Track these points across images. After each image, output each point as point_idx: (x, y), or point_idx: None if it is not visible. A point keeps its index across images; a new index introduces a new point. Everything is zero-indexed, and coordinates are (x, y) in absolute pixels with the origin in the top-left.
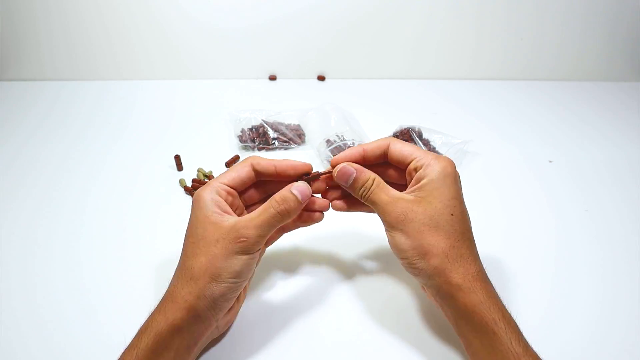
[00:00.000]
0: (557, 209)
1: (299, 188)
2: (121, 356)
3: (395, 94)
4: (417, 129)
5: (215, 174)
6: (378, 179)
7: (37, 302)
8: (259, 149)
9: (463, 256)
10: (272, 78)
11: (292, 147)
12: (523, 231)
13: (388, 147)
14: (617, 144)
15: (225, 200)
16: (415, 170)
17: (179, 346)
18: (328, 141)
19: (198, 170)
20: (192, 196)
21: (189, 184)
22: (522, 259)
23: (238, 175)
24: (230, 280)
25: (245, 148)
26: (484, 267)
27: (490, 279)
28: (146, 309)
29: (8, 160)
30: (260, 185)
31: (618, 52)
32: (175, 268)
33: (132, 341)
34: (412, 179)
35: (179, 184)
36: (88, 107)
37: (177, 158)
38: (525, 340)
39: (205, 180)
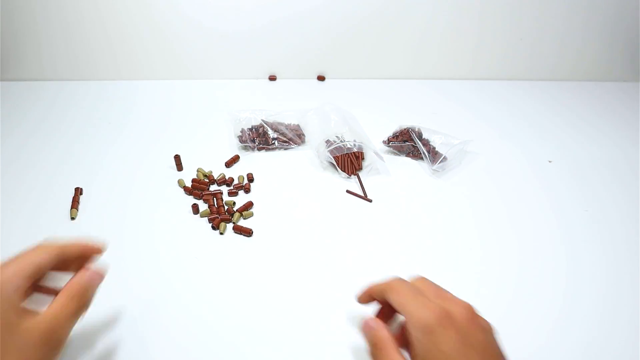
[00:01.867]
0: (557, 209)
1: (91, 277)
2: None
3: (395, 94)
4: (417, 129)
5: (215, 174)
6: (388, 346)
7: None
8: (259, 149)
9: None
10: (272, 78)
11: (292, 147)
12: (523, 231)
13: (387, 295)
14: (617, 144)
15: (26, 292)
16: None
17: None
18: (328, 141)
19: (198, 170)
20: (189, 193)
21: (189, 184)
22: (522, 259)
23: (40, 262)
24: None
25: (245, 148)
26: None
27: (491, 279)
28: (145, 307)
29: (8, 160)
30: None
31: (618, 52)
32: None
33: None
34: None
35: (178, 184)
36: (87, 107)
37: (177, 158)
38: None
39: (205, 180)
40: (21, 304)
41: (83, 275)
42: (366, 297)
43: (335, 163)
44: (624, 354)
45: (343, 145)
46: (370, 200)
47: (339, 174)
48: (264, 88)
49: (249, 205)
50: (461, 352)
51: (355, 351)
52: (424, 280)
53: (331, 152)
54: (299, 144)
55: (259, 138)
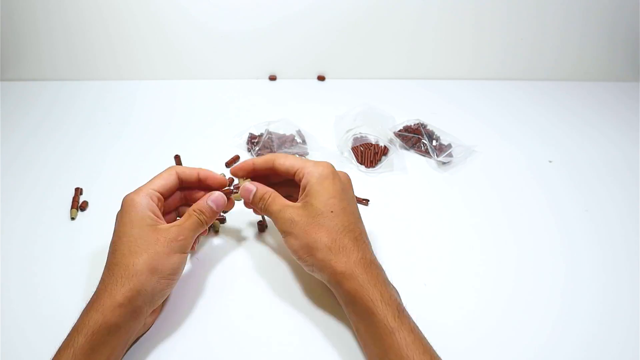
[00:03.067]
0: (557, 209)
1: (215, 199)
2: (56, 355)
3: (395, 94)
4: (427, 126)
5: None
6: (274, 193)
7: (38, 301)
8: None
9: (345, 247)
10: (272, 78)
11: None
12: (523, 230)
13: (274, 162)
14: (617, 144)
15: (157, 205)
16: (300, 180)
17: (116, 343)
18: (355, 138)
19: None
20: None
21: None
22: (522, 259)
23: (166, 182)
24: (170, 276)
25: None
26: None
27: (490, 278)
28: None
29: (8, 160)
30: (176, 194)
31: (618, 52)
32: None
33: (65, 340)
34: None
35: None
36: (87, 107)
37: (177, 158)
38: (405, 315)
39: None
40: (152, 216)
41: (204, 197)
42: (240, 171)
43: (355, 155)
44: (624, 354)
45: (369, 139)
46: (366, 203)
47: (357, 166)
48: (264, 88)
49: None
50: (342, 194)
51: (354, 350)
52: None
53: (355, 145)
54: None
55: (259, 147)
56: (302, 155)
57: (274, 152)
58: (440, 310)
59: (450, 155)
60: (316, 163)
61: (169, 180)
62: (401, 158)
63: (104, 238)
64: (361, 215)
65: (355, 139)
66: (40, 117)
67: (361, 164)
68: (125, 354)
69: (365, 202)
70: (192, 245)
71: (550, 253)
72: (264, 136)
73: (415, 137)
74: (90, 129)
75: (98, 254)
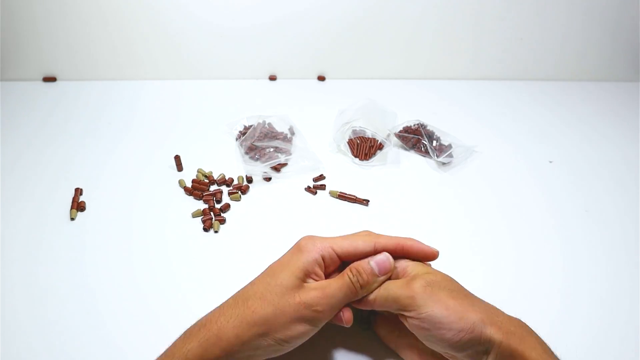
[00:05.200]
0: (557, 210)
1: (378, 260)
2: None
3: (395, 94)
4: (428, 127)
5: (215, 175)
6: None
7: (41, 304)
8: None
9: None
10: (272, 78)
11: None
12: (522, 231)
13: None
14: (617, 144)
15: (324, 266)
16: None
17: None
18: (354, 131)
19: (198, 171)
20: (189, 194)
21: (189, 185)
22: (522, 259)
23: (355, 250)
24: (282, 342)
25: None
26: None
27: (491, 279)
28: (146, 303)
29: (11, 161)
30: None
31: (618, 52)
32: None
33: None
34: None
35: (178, 184)
36: (87, 107)
37: (177, 158)
38: None
39: (205, 180)
40: (310, 270)
41: (365, 259)
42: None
43: (350, 147)
44: (624, 354)
45: (366, 133)
46: (366, 204)
47: (352, 159)
48: (264, 88)
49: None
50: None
51: (355, 351)
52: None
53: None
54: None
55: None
56: (282, 151)
57: (254, 144)
58: None
59: (450, 155)
60: (431, 277)
61: (360, 248)
62: (395, 153)
63: (103, 238)
64: (359, 215)
65: (354, 132)
66: (41, 118)
67: (356, 156)
68: None
69: (365, 202)
70: (339, 317)
71: (550, 253)
72: (257, 125)
73: (415, 137)
74: (89, 129)
75: (97, 255)
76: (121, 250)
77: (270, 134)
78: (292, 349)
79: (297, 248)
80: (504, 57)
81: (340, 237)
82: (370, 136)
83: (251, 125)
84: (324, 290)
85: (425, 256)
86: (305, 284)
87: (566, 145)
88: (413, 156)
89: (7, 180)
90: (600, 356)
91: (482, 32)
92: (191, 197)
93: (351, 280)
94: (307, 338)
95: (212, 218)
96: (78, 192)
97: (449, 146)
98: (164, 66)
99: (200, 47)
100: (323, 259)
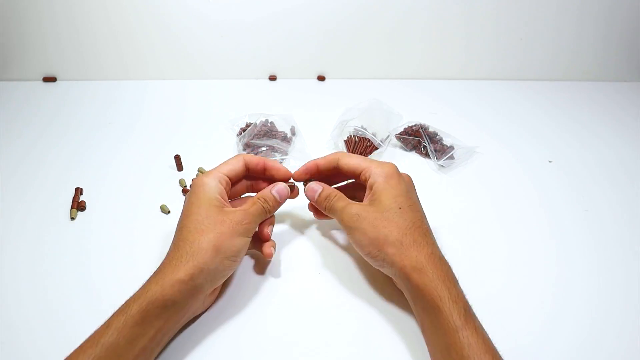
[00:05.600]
0: (556, 210)
1: (279, 190)
2: (109, 320)
3: (395, 94)
4: (430, 129)
5: None
6: (339, 193)
7: (41, 303)
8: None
9: (416, 241)
10: (272, 78)
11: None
12: (522, 231)
13: (338, 161)
14: (616, 143)
15: (225, 190)
16: (366, 180)
17: (169, 317)
18: (354, 128)
19: (198, 170)
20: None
21: (189, 184)
22: (522, 260)
23: (234, 168)
24: (232, 257)
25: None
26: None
27: (489, 279)
28: None
29: (10, 160)
30: (242, 182)
31: (616, 51)
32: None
33: (120, 308)
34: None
35: (178, 184)
36: (87, 107)
37: (177, 158)
38: (470, 314)
39: None
40: (220, 198)
41: (270, 186)
42: (304, 174)
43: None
44: (622, 354)
45: (369, 134)
46: None
47: None
48: (264, 88)
49: None
50: (408, 192)
51: (357, 353)
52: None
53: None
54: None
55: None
56: (279, 151)
57: (250, 141)
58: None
59: (452, 157)
60: (381, 163)
61: (237, 167)
62: (391, 154)
63: (103, 238)
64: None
65: (355, 130)
66: (41, 118)
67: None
68: (180, 330)
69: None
70: (263, 251)
71: (550, 253)
72: (259, 123)
73: (415, 139)
74: (89, 129)
75: (97, 254)
76: (121, 250)
77: (270, 132)
78: (239, 263)
79: (196, 188)
80: (504, 58)
81: (219, 166)
82: (370, 137)
83: (252, 123)
84: (246, 211)
85: (279, 174)
86: (225, 209)
87: (566, 145)
88: (411, 156)
89: (7, 179)
90: (598, 355)
91: (482, 32)
92: None
93: (262, 205)
94: (246, 249)
95: None
96: (78, 191)
97: (451, 147)
98: (164, 66)
99: (200, 47)
100: (220, 182)
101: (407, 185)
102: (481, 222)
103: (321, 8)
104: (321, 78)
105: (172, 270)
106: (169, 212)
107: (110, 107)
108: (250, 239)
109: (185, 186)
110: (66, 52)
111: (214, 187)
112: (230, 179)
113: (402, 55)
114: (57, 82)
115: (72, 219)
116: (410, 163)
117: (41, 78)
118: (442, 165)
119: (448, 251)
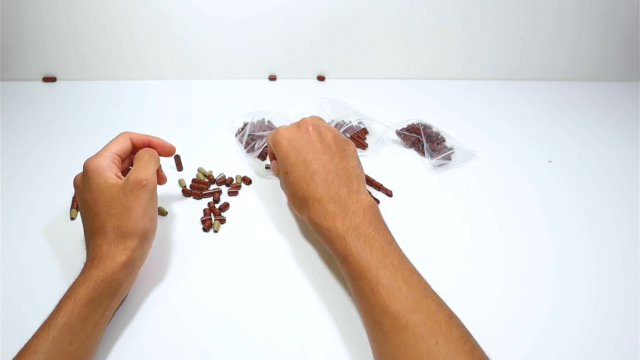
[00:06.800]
0: (556, 210)
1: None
2: (57, 307)
3: (395, 94)
4: (433, 129)
5: (215, 174)
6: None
7: (37, 300)
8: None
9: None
10: (272, 78)
11: None
12: (522, 231)
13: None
14: (616, 143)
15: (117, 167)
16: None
17: (114, 295)
18: (337, 124)
19: (198, 170)
20: (186, 194)
21: (189, 184)
22: (521, 259)
23: (122, 146)
24: (151, 219)
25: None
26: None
27: (489, 278)
28: (145, 306)
29: (10, 160)
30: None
31: (615, 51)
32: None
33: (66, 294)
34: None
35: (178, 184)
36: (87, 107)
37: (177, 158)
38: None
39: (205, 180)
40: (115, 177)
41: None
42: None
43: None
44: (622, 355)
45: (355, 125)
46: (390, 194)
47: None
48: (264, 88)
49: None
50: (292, 152)
51: (354, 352)
52: None
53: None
54: None
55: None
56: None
57: (252, 133)
58: None
59: (448, 158)
60: (276, 130)
61: (125, 145)
62: (388, 150)
63: None
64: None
65: (352, 129)
66: (40, 118)
67: None
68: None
69: (389, 192)
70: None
71: (549, 253)
72: (257, 123)
73: (414, 137)
74: (89, 129)
75: None
76: None
77: (268, 129)
78: (156, 217)
79: (91, 173)
80: (504, 58)
81: (107, 145)
82: (354, 125)
83: (248, 122)
84: (138, 170)
85: (163, 150)
86: (122, 183)
87: (565, 146)
88: (409, 153)
89: (7, 179)
90: (598, 355)
91: (482, 32)
92: (190, 198)
93: (147, 154)
94: (157, 203)
95: (211, 218)
96: None
97: (450, 149)
98: (164, 66)
99: (200, 47)
100: (113, 161)
101: (292, 144)
102: (480, 222)
103: (321, 8)
104: (321, 78)
105: (110, 257)
106: (166, 213)
107: (110, 107)
108: (156, 192)
109: (185, 186)
110: (66, 52)
111: (108, 167)
112: (119, 157)
113: (402, 55)
114: (57, 82)
115: (72, 218)
116: (406, 159)
117: (41, 78)
118: (435, 165)
119: (446, 251)
